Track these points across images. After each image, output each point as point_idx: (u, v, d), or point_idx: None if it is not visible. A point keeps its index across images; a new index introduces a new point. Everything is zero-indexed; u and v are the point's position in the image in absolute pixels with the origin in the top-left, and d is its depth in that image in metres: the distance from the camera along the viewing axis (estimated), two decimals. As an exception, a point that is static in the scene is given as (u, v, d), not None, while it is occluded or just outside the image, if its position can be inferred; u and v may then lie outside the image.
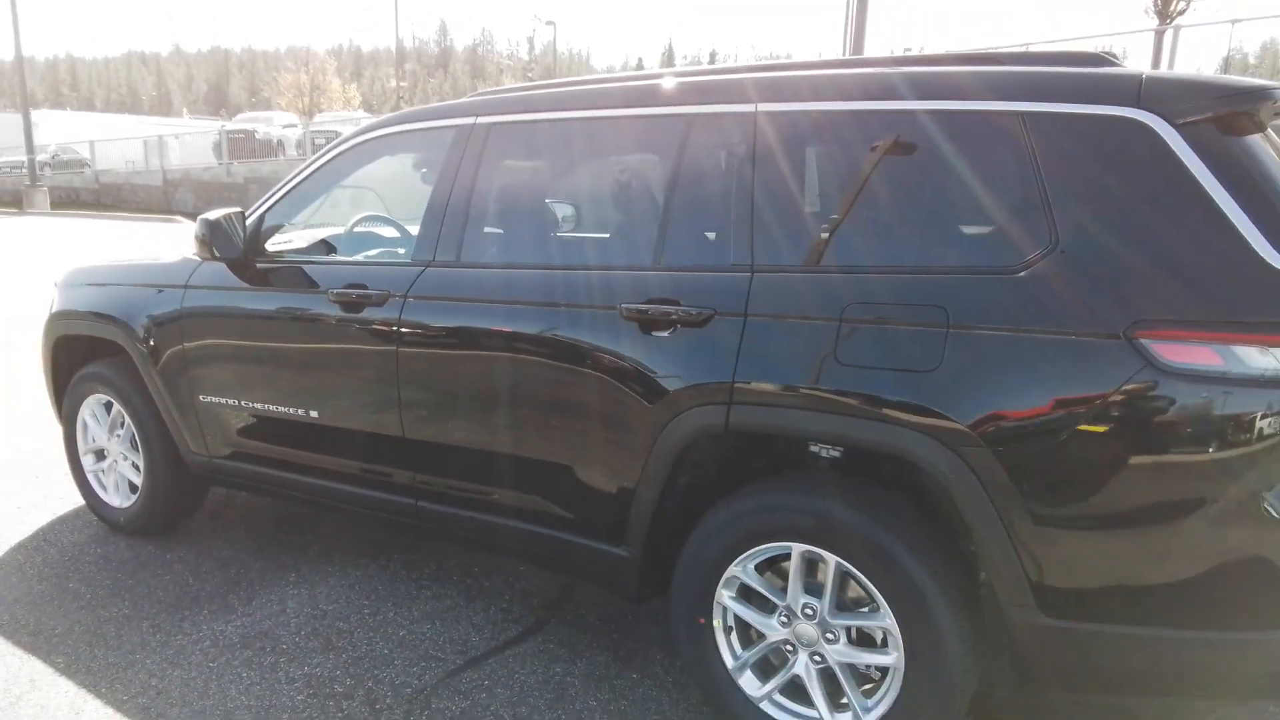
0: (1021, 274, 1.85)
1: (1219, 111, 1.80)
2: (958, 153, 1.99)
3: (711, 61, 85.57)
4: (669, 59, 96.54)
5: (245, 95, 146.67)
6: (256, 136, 26.97)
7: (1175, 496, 1.73)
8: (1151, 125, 1.80)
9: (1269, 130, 2.02)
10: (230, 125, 31.54)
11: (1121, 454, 1.75)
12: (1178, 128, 1.79)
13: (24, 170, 27.66)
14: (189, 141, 31.03)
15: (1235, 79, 1.90)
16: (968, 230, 2.00)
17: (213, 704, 2.50)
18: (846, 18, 13.37)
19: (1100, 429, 1.74)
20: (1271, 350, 1.66)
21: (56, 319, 3.69)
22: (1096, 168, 1.84)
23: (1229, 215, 1.72)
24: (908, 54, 2.50)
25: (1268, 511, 1.68)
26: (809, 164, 2.24)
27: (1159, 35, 16.40)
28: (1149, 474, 1.75)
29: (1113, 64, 2.01)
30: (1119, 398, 1.72)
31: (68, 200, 28.52)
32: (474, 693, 2.55)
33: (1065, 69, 1.98)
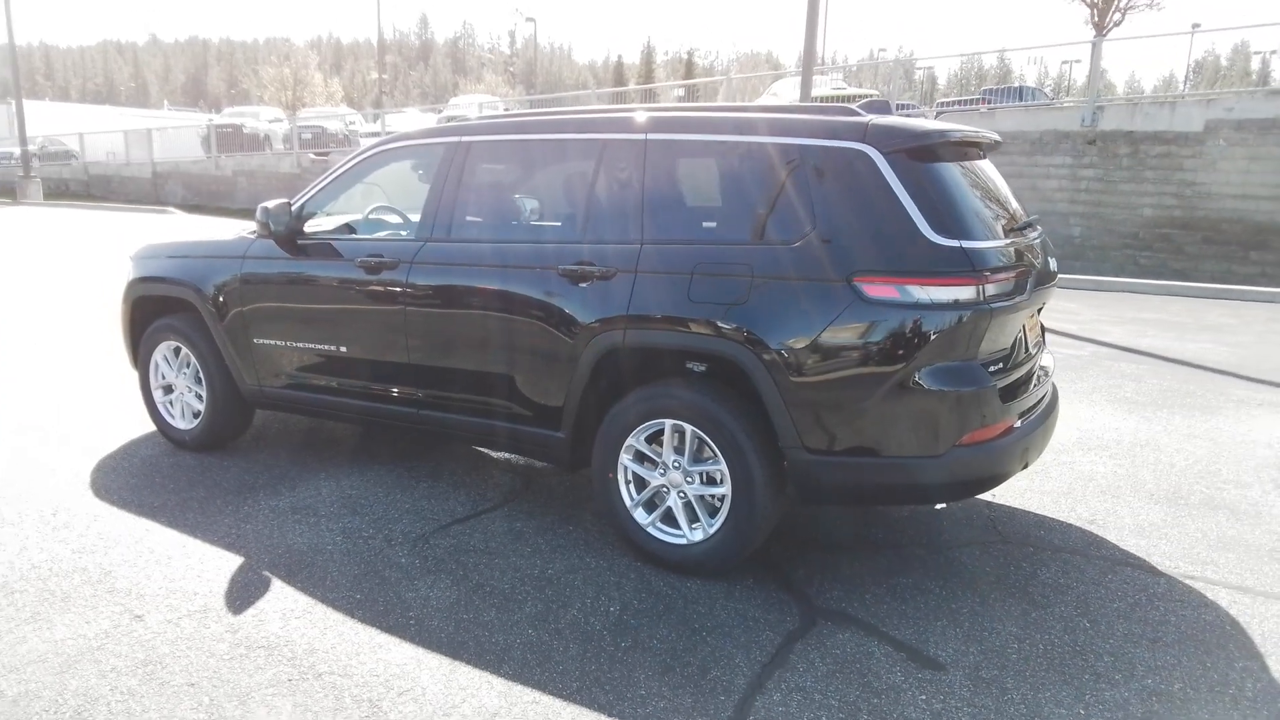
0: (795, 245, 3.04)
1: (909, 145, 3.00)
2: (764, 169, 3.18)
3: (689, 59, 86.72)
4: (648, 56, 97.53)
5: (224, 87, 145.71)
6: (244, 131, 27.86)
7: (871, 374, 2.92)
8: (870, 154, 2.99)
9: (974, 148, 3.24)
10: (218, 119, 32.37)
11: (844, 350, 2.94)
12: (885, 155, 2.98)
13: (13, 161, 28.39)
14: (173, 134, 31.77)
15: (924, 126, 3.09)
16: (762, 220, 3.17)
17: (276, 542, 3.64)
18: (807, 24, 14.48)
19: (832, 335, 2.94)
20: (926, 288, 2.86)
21: (135, 284, 4.80)
22: (838, 180, 3.03)
23: (907, 209, 2.91)
24: (749, 105, 3.66)
25: (918, 384, 2.89)
26: (679, 173, 3.41)
27: (1095, 47, 17.69)
28: (857, 361, 2.94)
29: (857, 114, 3.19)
30: (829, 317, 2.91)
31: (58, 191, 29.27)
32: (458, 537, 3.71)
33: (829, 118, 3.16)
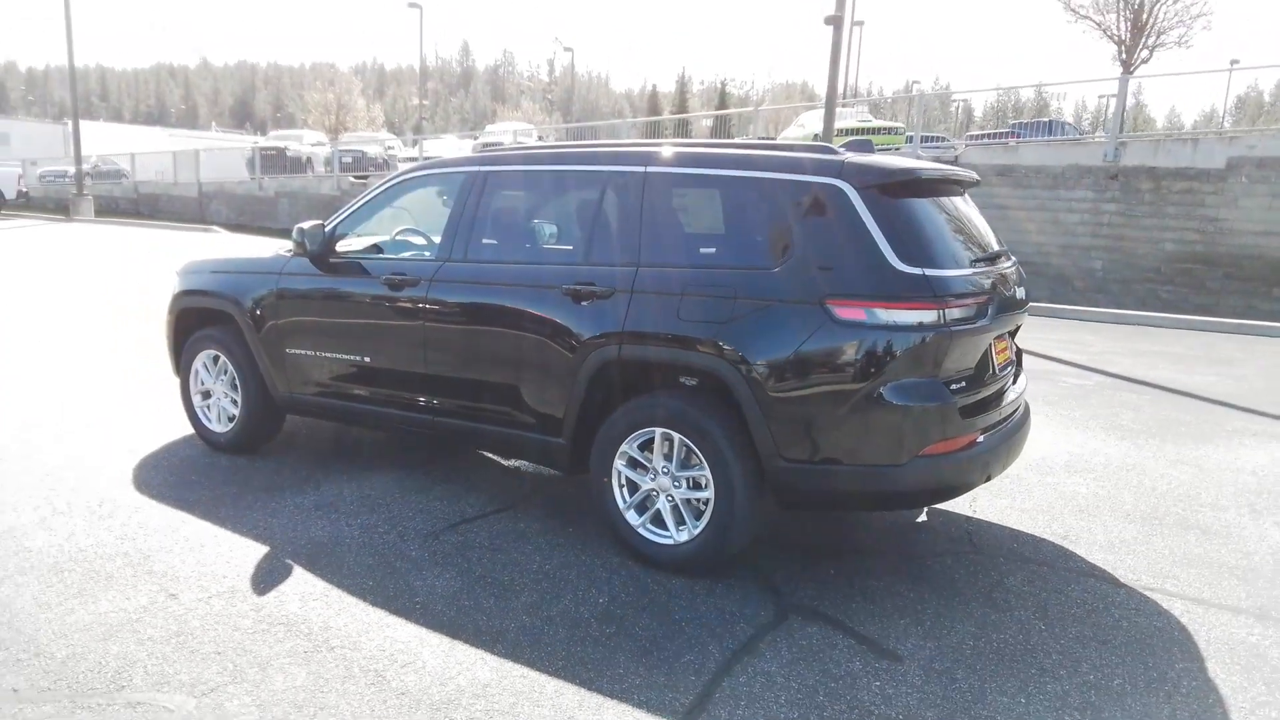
0: (775, 270, 3.33)
1: (881, 182, 3.28)
2: (751, 201, 3.48)
3: (722, 89, 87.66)
4: (682, 86, 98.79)
5: (270, 110, 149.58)
6: (287, 154, 28.78)
7: (840, 389, 3.19)
8: (844, 189, 3.28)
9: (950, 185, 3.52)
10: (263, 142, 33.43)
11: (816, 367, 3.21)
12: (858, 191, 3.26)
13: (67, 179, 29.57)
14: (219, 156, 32.91)
15: (895, 165, 3.37)
16: (747, 247, 3.47)
17: (300, 534, 3.97)
18: (830, 64, 14.81)
19: (805, 353, 3.21)
20: (890, 311, 3.13)
21: (180, 296, 5.20)
22: (815, 212, 3.31)
23: (875, 239, 3.19)
24: (740, 143, 3.97)
25: (883, 398, 3.15)
26: (674, 204, 3.72)
27: (1123, 83, 17.83)
28: (828, 377, 3.20)
29: (835, 153, 3.47)
30: (804, 336, 3.19)
31: (108, 209, 30.37)
32: (466, 534, 4.01)
33: (809, 155, 3.46)
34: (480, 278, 4.07)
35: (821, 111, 22.09)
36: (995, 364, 3.58)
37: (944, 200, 3.63)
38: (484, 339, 4.05)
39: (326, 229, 4.59)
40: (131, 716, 2.58)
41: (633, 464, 3.70)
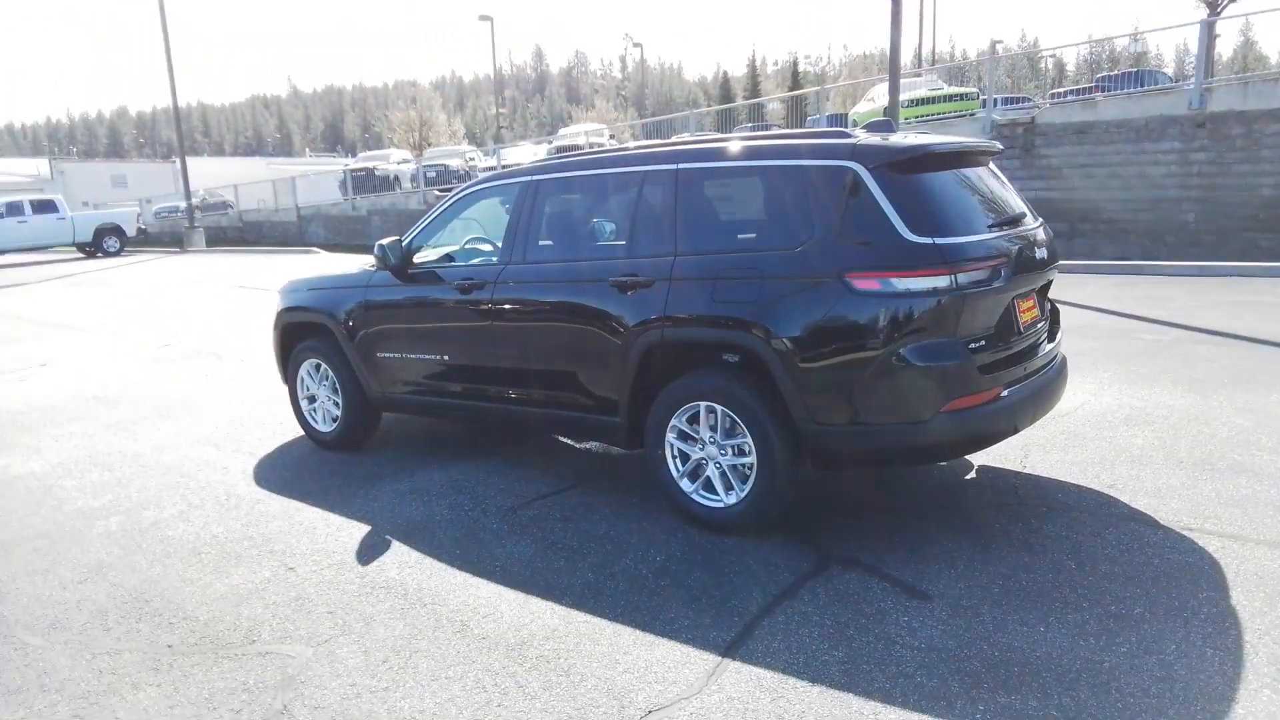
0: (798, 249, 3.62)
1: (890, 160, 3.53)
2: (772, 188, 3.79)
3: (795, 68, 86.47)
4: (753, 69, 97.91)
5: (358, 131, 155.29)
6: (376, 173, 30.14)
7: (863, 355, 3.45)
8: (857, 170, 3.54)
9: (967, 156, 3.74)
10: (353, 165, 35.05)
11: (839, 336, 3.49)
12: (869, 170, 3.52)
13: (179, 214, 31.74)
14: (315, 180, 34.68)
15: (904, 143, 3.60)
16: (772, 230, 3.76)
17: (397, 514, 4.47)
18: (891, 38, 14.72)
19: (828, 324, 3.49)
20: (904, 279, 3.38)
21: (283, 313, 5.82)
22: (831, 193, 3.58)
23: (887, 214, 3.44)
24: (762, 134, 4.25)
25: (904, 360, 3.40)
26: (704, 196, 4.04)
27: (1204, 26, 17.05)
28: (851, 345, 3.47)
29: (848, 137, 3.73)
30: (827, 309, 3.47)
31: (217, 238, 32.43)
32: (540, 509, 4.43)
33: (823, 141, 3.72)
34: (538, 277, 4.48)
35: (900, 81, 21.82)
36: (1020, 322, 3.77)
37: (961, 172, 3.84)
38: (545, 332, 4.46)
39: (404, 243, 5.10)
40: (262, 663, 3.09)
41: (683, 436, 4.04)
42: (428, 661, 3.03)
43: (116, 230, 27.54)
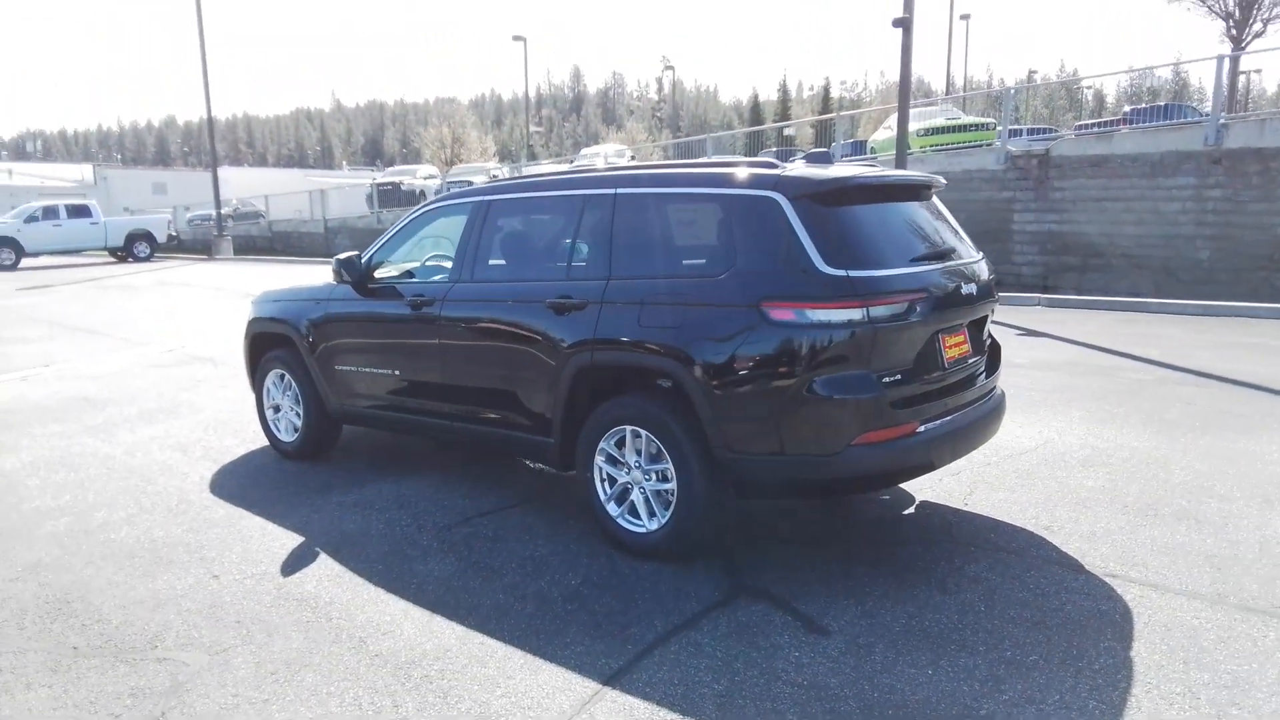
0: (721, 276, 3.63)
1: (812, 192, 3.53)
2: (700, 215, 3.80)
3: (825, 92, 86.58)
4: (783, 94, 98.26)
5: (397, 146, 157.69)
6: (401, 188, 30.60)
7: (777, 385, 3.44)
8: (779, 200, 3.55)
9: (898, 190, 3.73)
10: (380, 178, 35.59)
11: (754, 364, 3.49)
12: (790, 201, 3.53)
13: (211, 223, 32.41)
14: (349, 193, 35.26)
15: (826, 175, 3.61)
16: (698, 257, 3.78)
17: (334, 527, 4.51)
18: (901, 70, 14.71)
19: (744, 352, 3.49)
20: (817, 310, 3.37)
21: (252, 323, 5.93)
22: (753, 222, 3.60)
23: (804, 245, 3.44)
24: (697, 162, 4.27)
25: (815, 392, 3.39)
26: (639, 221, 4.06)
27: (1234, 61, 16.85)
28: (765, 374, 3.46)
29: (775, 167, 3.74)
30: (752, 335, 3.47)
31: (246, 247, 33.04)
32: (476, 527, 4.45)
33: (750, 170, 3.74)
34: (483, 296, 4.53)
35: (915, 111, 21.79)
36: (944, 357, 3.74)
37: (891, 205, 3.83)
38: (487, 351, 4.50)
39: (363, 259, 5.17)
40: (156, 669, 3.13)
41: (611, 460, 4.05)
42: (315, 676, 3.05)
43: (148, 236, 28.20)
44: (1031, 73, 65.54)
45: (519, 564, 3.96)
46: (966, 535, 4.15)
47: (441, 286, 4.75)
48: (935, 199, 4.24)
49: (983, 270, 4.10)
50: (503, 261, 4.67)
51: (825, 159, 4.07)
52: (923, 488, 4.79)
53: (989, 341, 4.28)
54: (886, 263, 3.55)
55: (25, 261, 26.84)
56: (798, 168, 3.74)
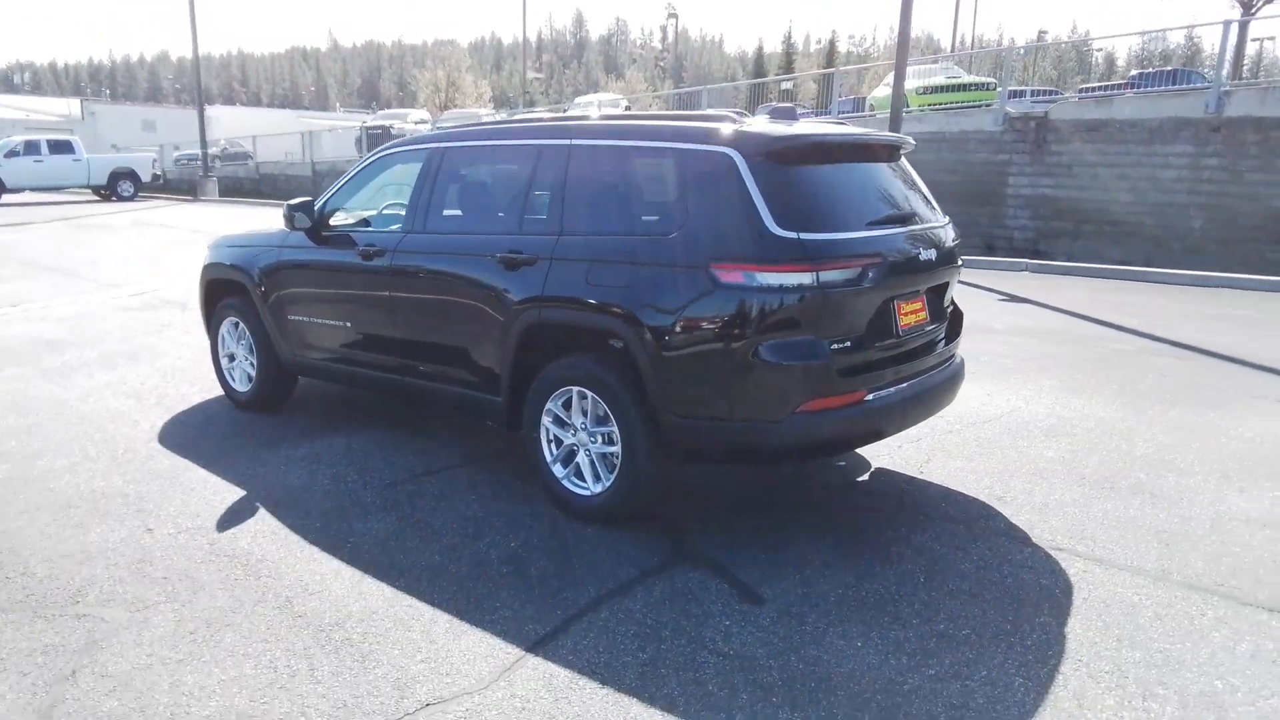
0: (671, 236, 3.49)
1: (769, 149, 3.39)
2: (653, 171, 3.66)
3: (831, 47, 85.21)
4: (787, 46, 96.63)
5: (394, 89, 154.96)
6: (392, 132, 30.03)
7: (722, 348, 3.34)
8: (733, 156, 3.40)
9: (861, 149, 3.59)
10: (370, 122, 34.97)
11: (700, 327, 3.37)
12: (746, 159, 3.38)
13: (198, 162, 31.89)
14: (340, 135, 34.65)
15: (785, 132, 3.45)
16: (651, 214, 3.64)
17: (278, 481, 4.42)
18: (901, 21, 14.33)
19: (691, 314, 3.38)
20: (765, 273, 3.25)
21: (207, 269, 5.77)
22: (706, 179, 3.45)
23: (757, 205, 3.30)
24: (655, 115, 4.11)
25: (760, 357, 3.28)
26: (592, 174, 3.91)
27: (1242, 27, 16.46)
28: (711, 337, 3.35)
29: (733, 120, 3.58)
30: (700, 298, 3.35)
31: (233, 189, 32.53)
32: (422, 484, 4.37)
33: (706, 125, 3.58)
34: (434, 248, 4.39)
35: (916, 69, 21.37)
36: (898, 324, 3.63)
37: (852, 165, 3.69)
38: (437, 305, 4.37)
39: (316, 205, 5.01)
40: (73, 626, 3.06)
41: (558, 421, 3.95)
42: (234, 636, 2.99)
43: (131, 175, 27.71)
44: (1041, 33, 64.37)
45: (460, 524, 3.89)
46: (917, 504, 4.08)
47: (393, 236, 4.61)
48: (903, 160, 4.10)
49: (945, 236, 3.97)
50: (455, 212, 4.52)
51: (789, 115, 3.91)
52: (880, 454, 4.72)
53: (950, 309, 4.17)
54: (841, 226, 3.42)
55: (6, 198, 26.39)
56: (757, 124, 3.58)
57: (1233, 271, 12.26)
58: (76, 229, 18.78)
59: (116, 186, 27.44)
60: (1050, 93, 22.93)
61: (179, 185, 34.00)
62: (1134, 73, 26.21)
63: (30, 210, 23.67)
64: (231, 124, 50.19)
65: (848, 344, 3.42)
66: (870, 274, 3.41)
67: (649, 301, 3.49)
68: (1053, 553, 3.57)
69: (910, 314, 3.71)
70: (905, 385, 3.67)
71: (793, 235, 3.26)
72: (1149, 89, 17.47)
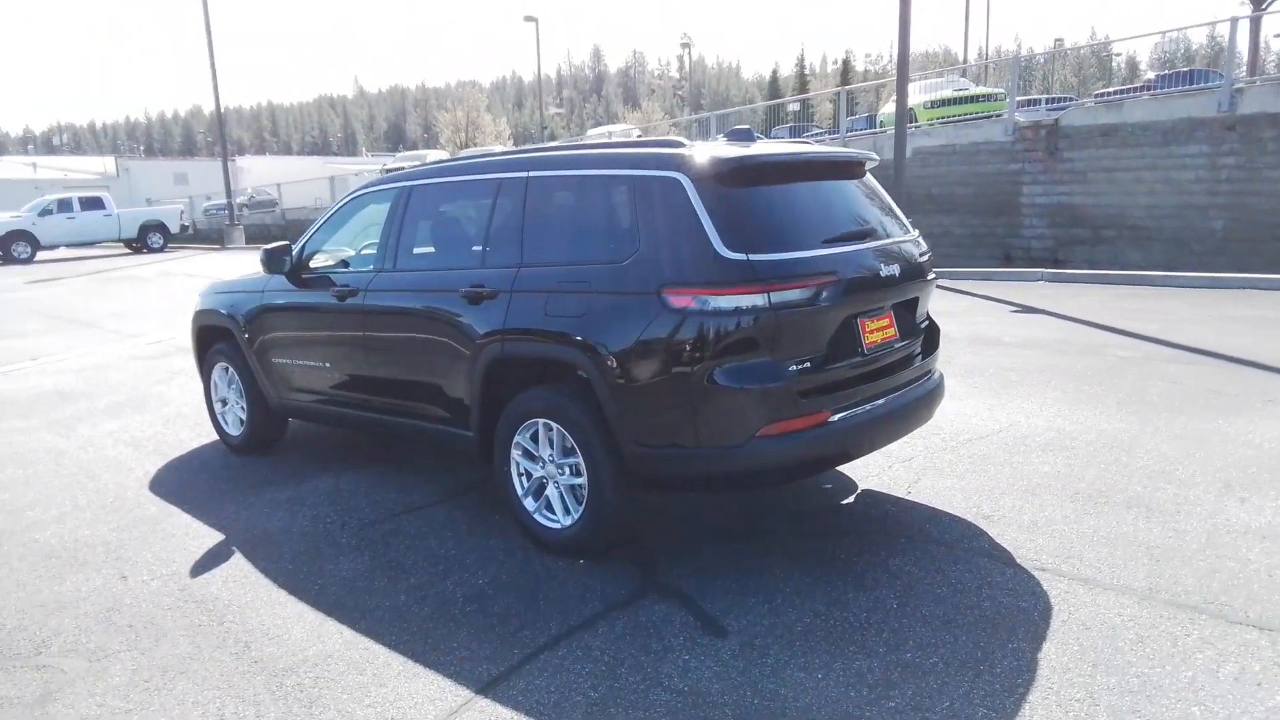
0: (624, 263, 3.45)
1: (715, 172, 3.34)
2: (605, 198, 3.63)
3: (846, 64, 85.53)
4: (801, 68, 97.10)
5: (419, 131, 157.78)
6: (410, 172, 30.53)
7: (677, 374, 3.27)
8: (680, 180, 3.36)
9: (815, 167, 3.54)
10: (389, 164, 35.54)
11: (655, 353, 3.31)
12: (693, 181, 3.34)
13: (225, 212, 32.61)
14: (366, 179, 35.22)
15: (730, 154, 3.40)
16: (606, 242, 3.60)
17: (258, 525, 4.41)
18: (899, 36, 14.29)
19: (645, 340, 3.32)
20: (716, 297, 3.19)
21: (197, 315, 5.84)
22: (655, 204, 3.41)
23: (705, 228, 3.26)
24: (605, 142, 4.08)
25: (715, 382, 3.21)
26: (549, 204, 3.89)
27: (1254, 23, 16.20)
28: (666, 363, 3.28)
29: (680, 145, 3.55)
30: (653, 324, 3.29)
31: (260, 235, 33.12)
32: (401, 523, 4.34)
33: (654, 150, 3.55)
34: (403, 285, 4.39)
35: (924, 83, 21.30)
36: (863, 342, 3.54)
37: (807, 184, 3.63)
38: (408, 342, 4.37)
39: (295, 248, 5.05)
40: (32, 677, 3.05)
41: (527, 454, 3.91)
42: (187, 683, 2.96)
43: (160, 227, 28.42)
44: (1057, 41, 63.93)
45: (431, 562, 3.84)
46: (901, 526, 3.96)
47: (365, 276, 4.62)
48: (869, 177, 4.03)
49: (912, 250, 3.89)
50: (422, 249, 4.53)
51: (747, 136, 3.87)
52: (869, 475, 4.61)
53: (925, 323, 4.07)
54: (794, 245, 3.36)
55: (42, 254, 27.19)
56: (705, 146, 3.54)
57: (1257, 272, 11.94)
58: (104, 282, 19.24)
59: (146, 239, 28.14)
60: (1066, 99, 22.69)
61: (208, 235, 34.78)
62: (1150, 75, 25.89)
63: (61, 266, 24.34)
64: (261, 173, 51.31)
65: (808, 364, 3.34)
66: (826, 292, 3.34)
67: (605, 330, 3.44)
68: (1036, 573, 3.44)
69: (876, 331, 3.63)
70: (874, 404, 3.58)
71: (741, 257, 3.20)
72: (1159, 91, 17.21)
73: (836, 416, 3.40)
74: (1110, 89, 28.21)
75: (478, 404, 4.01)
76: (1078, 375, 6.62)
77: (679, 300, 3.26)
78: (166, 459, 5.69)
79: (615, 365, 3.40)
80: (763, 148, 3.67)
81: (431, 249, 4.52)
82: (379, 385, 4.60)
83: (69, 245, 27.67)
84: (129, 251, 28.77)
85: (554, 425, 3.71)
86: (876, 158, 4.10)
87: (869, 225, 3.74)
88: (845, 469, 4.70)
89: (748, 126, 4.03)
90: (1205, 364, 6.82)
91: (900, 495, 4.33)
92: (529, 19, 42.54)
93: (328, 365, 4.89)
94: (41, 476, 5.40)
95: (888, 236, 3.79)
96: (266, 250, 4.98)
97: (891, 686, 2.71)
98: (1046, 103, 20.90)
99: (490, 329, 3.87)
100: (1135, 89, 22.54)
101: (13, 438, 6.35)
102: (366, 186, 4.98)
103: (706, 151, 3.47)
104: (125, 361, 9.35)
